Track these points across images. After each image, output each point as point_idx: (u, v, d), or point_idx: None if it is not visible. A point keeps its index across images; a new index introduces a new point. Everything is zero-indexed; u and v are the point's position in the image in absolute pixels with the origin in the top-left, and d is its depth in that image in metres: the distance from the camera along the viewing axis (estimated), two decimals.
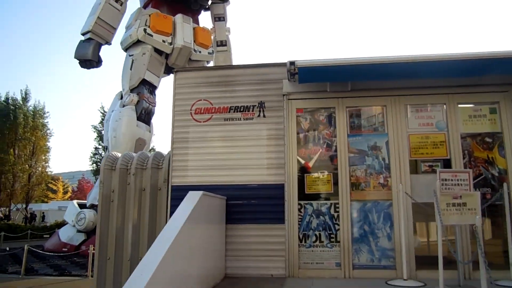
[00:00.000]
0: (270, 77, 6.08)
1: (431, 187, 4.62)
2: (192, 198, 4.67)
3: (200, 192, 4.76)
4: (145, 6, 18.67)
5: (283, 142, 5.78)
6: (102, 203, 6.71)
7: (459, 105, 5.61)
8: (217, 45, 19.70)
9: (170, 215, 5.02)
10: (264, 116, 5.97)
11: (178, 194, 5.55)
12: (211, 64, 19.46)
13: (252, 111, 6.03)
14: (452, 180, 4.58)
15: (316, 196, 5.63)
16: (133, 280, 3.18)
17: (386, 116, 5.65)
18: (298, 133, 5.84)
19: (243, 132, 5.98)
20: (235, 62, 19.03)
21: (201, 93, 6.27)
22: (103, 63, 18.33)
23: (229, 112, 6.10)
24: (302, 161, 5.79)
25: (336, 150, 5.68)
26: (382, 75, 5.41)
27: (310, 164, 5.77)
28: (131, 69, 17.64)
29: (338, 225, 5.45)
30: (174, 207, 5.13)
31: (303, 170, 5.75)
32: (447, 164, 5.38)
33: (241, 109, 6.06)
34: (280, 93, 5.96)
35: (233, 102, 6.12)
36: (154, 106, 18.29)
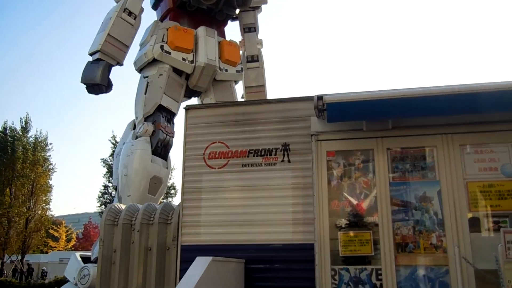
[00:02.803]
0: (295, 114, 6.38)
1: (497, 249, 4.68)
2: (199, 265, 4.98)
3: (209, 258, 5.06)
4: (162, 19, 19.50)
5: (311, 193, 5.98)
6: (101, 265, 7.18)
7: None
8: (247, 61, 20.22)
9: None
10: (289, 161, 6.24)
11: (189, 255, 5.85)
12: (240, 84, 20.01)
13: (275, 155, 6.32)
14: None
15: (353, 260, 5.75)
16: None
17: (437, 159, 5.73)
18: (329, 181, 6.03)
19: (265, 180, 6.26)
20: (268, 81, 19.43)
21: (216, 134, 6.65)
22: (113, 87, 19.39)
23: (248, 156, 6.42)
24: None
25: (376, 202, 5.82)
26: (430, 109, 5.50)
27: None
28: (145, 94, 18.40)
29: None
30: (184, 271, 5.45)
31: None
32: None
33: (262, 153, 6.37)
34: (307, 133, 6.20)
35: (253, 144, 6.45)
36: (172, 137, 18.83)
